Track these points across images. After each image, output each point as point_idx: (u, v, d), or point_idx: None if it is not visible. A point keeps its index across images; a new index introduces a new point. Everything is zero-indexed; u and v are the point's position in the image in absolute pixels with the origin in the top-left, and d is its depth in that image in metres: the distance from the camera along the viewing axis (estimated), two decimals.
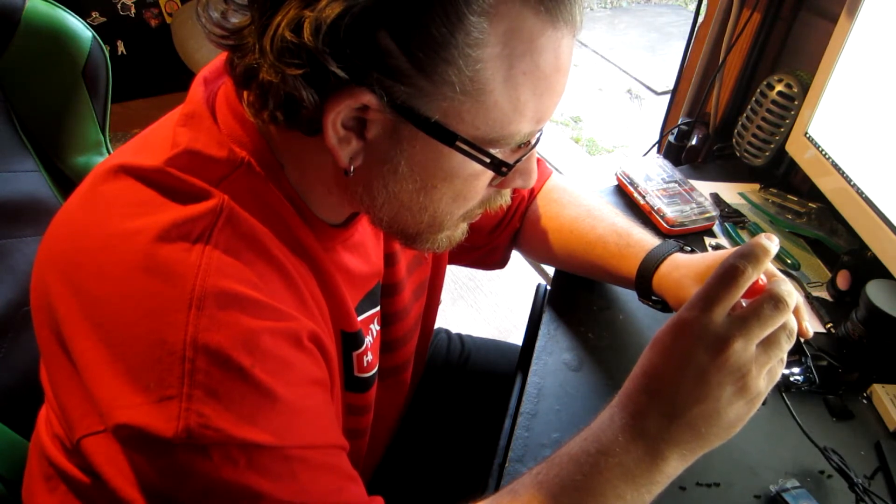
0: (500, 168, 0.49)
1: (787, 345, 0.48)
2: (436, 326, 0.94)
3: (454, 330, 1.04)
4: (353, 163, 0.48)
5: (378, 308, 0.68)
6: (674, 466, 0.49)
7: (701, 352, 0.47)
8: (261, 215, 0.48)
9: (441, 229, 0.54)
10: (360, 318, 0.62)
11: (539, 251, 0.83)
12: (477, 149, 0.47)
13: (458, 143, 0.46)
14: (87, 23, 0.72)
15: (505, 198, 0.57)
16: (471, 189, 0.51)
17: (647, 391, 0.49)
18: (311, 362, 0.48)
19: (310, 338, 0.48)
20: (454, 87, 0.43)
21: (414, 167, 0.48)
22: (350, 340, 0.59)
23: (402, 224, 0.53)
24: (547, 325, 0.82)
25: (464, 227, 0.58)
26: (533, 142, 0.51)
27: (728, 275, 0.47)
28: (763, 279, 0.54)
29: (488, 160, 0.48)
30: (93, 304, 0.44)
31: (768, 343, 0.48)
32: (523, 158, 0.51)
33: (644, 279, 0.72)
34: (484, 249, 0.85)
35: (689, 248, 0.73)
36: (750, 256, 0.47)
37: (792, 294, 0.48)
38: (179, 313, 0.42)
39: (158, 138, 0.51)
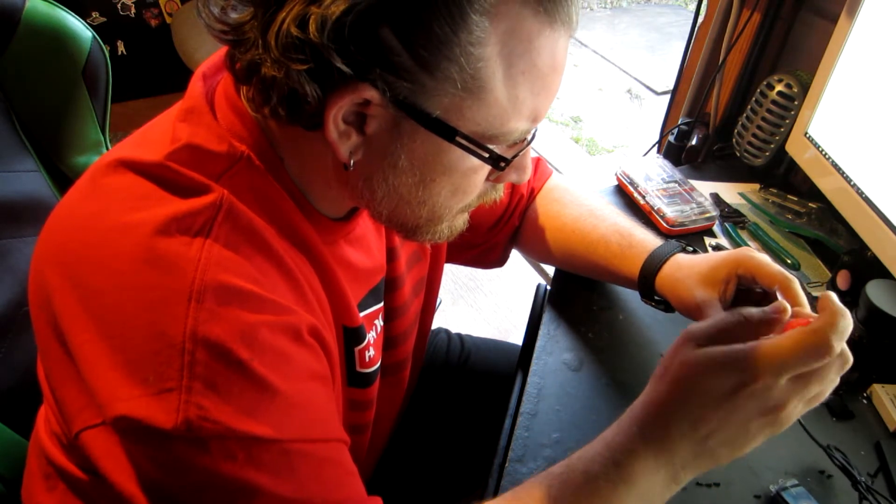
0: (498, 163, 0.50)
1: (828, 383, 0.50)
2: (436, 326, 0.94)
3: (454, 330, 1.04)
4: (352, 157, 0.48)
5: (382, 304, 0.68)
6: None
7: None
8: (261, 210, 0.49)
9: (440, 221, 0.55)
10: (364, 314, 0.62)
11: (540, 250, 0.83)
12: (476, 144, 0.47)
13: (458, 139, 0.46)
14: (87, 23, 0.72)
15: (499, 192, 0.58)
16: (469, 183, 0.52)
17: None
18: (311, 356, 0.48)
19: (310, 332, 0.49)
20: (456, 84, 0.43)
21: (414, 161, 0.48)
22: (351, 335, 0.59)
23: (401, 217, 0.53)
24: (547, 325, 0.82)
25: (465, 216, 0.59)
26: (529, 138, 0.52)
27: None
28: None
29: (487, 155, 0.48)
30: (92, 297, 0.44)
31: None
32: (519, 154, 0.52)
33: (647, 279, 0.72)
34: (482, 247, 0.85)
35: (692, 249, 0.73)
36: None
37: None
38: (179, 306, 0.42)
39: (158, 133, 0.51)
